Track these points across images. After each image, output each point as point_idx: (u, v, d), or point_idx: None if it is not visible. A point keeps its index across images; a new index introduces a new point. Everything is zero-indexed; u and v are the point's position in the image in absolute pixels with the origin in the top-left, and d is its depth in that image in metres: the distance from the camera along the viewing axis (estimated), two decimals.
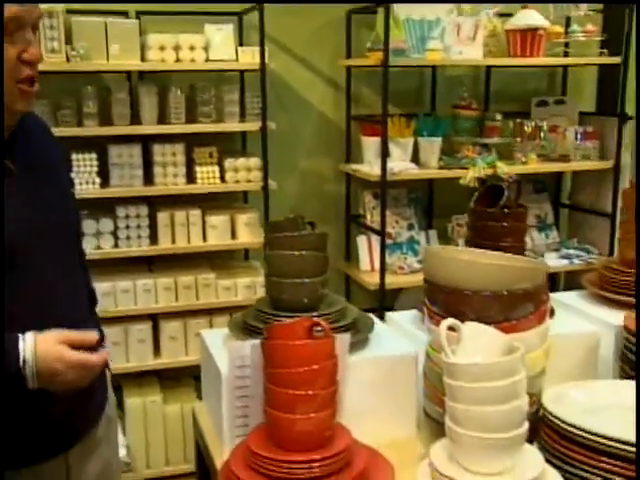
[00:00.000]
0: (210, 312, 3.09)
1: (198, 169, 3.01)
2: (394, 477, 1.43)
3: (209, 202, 3.16)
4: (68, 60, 2.77)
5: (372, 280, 3.23)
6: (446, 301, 1.47)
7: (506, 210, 1.80)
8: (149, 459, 3.12)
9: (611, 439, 1.34)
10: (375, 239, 3.30)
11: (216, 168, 3.02)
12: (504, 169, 3.14)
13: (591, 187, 3.62)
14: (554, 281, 3.80)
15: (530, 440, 1.45)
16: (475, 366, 1.28)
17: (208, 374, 1.76)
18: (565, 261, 3.45)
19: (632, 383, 1.63)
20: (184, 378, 3.23)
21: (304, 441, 1.38)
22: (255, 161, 3.05)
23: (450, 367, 1.30)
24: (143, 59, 2.90)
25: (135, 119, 2.98)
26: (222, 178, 3.05)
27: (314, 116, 3.44)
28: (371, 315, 1.85)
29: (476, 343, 1.32)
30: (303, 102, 3.41)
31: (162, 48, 2.87)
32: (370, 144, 3.24)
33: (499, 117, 3.39)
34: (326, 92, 3.44)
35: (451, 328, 1.35)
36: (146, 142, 3.01)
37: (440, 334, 1.33)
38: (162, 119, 2.99)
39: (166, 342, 3.07)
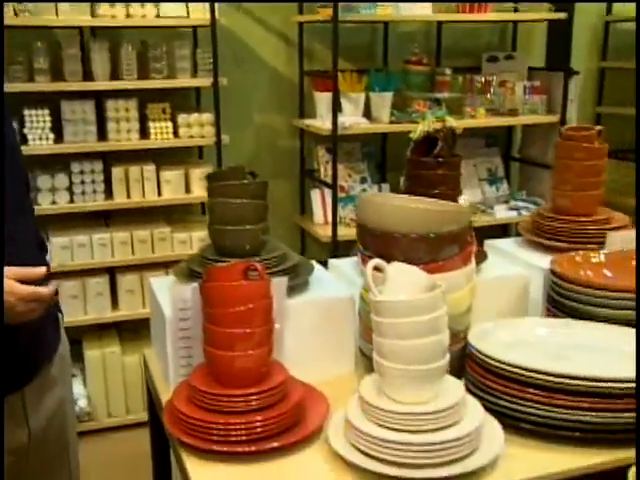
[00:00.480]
0: (166, 265, 3.16)
1: (151, 124, 3.05)
2: (329, 410, 1.53)
3: (164, 157, 3.20)
4: (16, 15, 2.77)
5: (325, 232, 3.31)
6: (376, 244, 1.55)
7: (440, 159, 1.87)
8: (110, 408, 3.21)
9: (526, 369, 1.44)
10: (328, 193, 3.37)
11: (169, 124, 3.06)
12: (453, 123, 3.20)
13: (540, 141, 3.72)
14: (505, 232, 3.92)
15: (459, 376, 1.55)
16: (398, 303, 1.36)
17: (155, 319, 1.83)
18: (513, 213, 3.55)
19: (550, 320, 1.75)
20: (142, 330, 3.29)
21: (242, 377, 1.46)
22: (208, 116, 3.09)
23: (376, 304, 1.39)
24: (93, 15, 2.91)
25: (87, 75, 2.99)
26: (175, 133, 3.09)
27: (267, 72, 3.48)
28: (313, 261, 1.93)
29: (400, 282, 1.41)
30: (256, 58, 3.44)
31: (112, 4, 2.88)
32: (322, 99, 3.29)
33: (449, 72, 3.46)
34: (279, 48, 3.48)
35: (378, 269, 1.44)
36: (99, 98, 3.04)
37: (367, 274, 1.41)
38: (114, 75, 3.01)
39: (123, 295, 3.13)
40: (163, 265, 3.16)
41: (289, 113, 3.52)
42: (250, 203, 1.71)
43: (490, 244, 2.17)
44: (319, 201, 3.44)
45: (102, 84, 2.96)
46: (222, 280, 1.47)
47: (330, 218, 3.31)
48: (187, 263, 1.81)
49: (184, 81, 3.06)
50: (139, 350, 3.21)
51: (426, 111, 3.25)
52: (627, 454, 1.42)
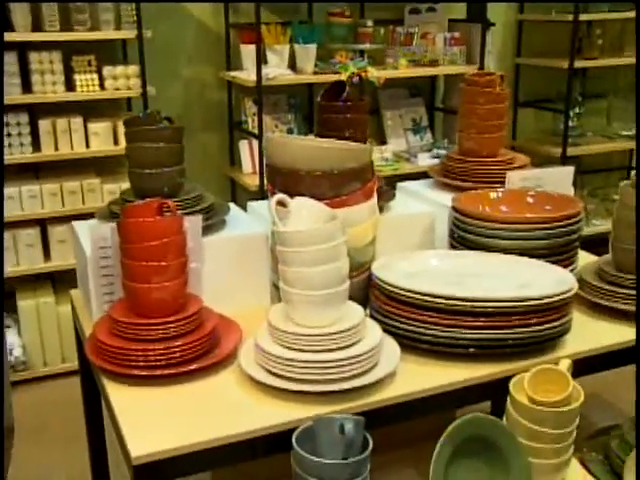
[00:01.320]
0: None
1: (77, 77, 3.07)
2: (242, 337, 1.64)
3: (92, 110, 3.23)
4: None
5: (253, 182, 3.40)
6: (283, 182, 1.65)
7: (348, 103, 1.98)
8: (45, 357, 3.28)
9: (425, 294, 1.57)
10: (256, 143, 3.45)
11: (95, 76, 3.09)
12: (374, 73, 3.31)
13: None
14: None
15: (364, 304, 1.68)
16: (300, 233, 1.47)
17: (79, 260, 1.92)
18: (436, 160, 3.68)
19: (449, 252, 1.89)
20: (76, 281, 3.35)
21: (159, 308, 1.56)
22: (134, 68, 3.13)
23: (280, 236, 1.50)
24: None
25: (8, 26, 2.97)
26: (102, 86, 3.12)
27: (193, 24, 3.51)
28: (231, 204, 2.03)
29: (302, 215, 1.52)
30: (182, 10, 3.46)
31: None
32: (248, 51, 3.35)
33: (371, 24, 3.55)
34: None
35: (282, 204, 1.55)
36: (22, 50, 3.03)
37: (271, 208, 1.52)
38: (36, 27, 3.00)
39: (55, 245, 3.18)
40: (93, 216, 3.20)
41: (216, 65, 3.57)
42: (166, 147, 1.79)
43: (401, 186, 2.30)
44: (247, 152, 3.52)
45: (24, 35, 2.96)
46: (138, 217, 1.56)
47: (258, 168, 3.40)
48: (109, 206, 1.89)
49: (108, 33, 3.07)
50: None
51: (348, 62, 3.35)
52: (513, 366, 1.58)
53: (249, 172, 3.52)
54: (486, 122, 2.20)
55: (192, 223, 1.69)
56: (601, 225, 4.18)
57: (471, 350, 1.59)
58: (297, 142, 1.69)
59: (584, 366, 1.64)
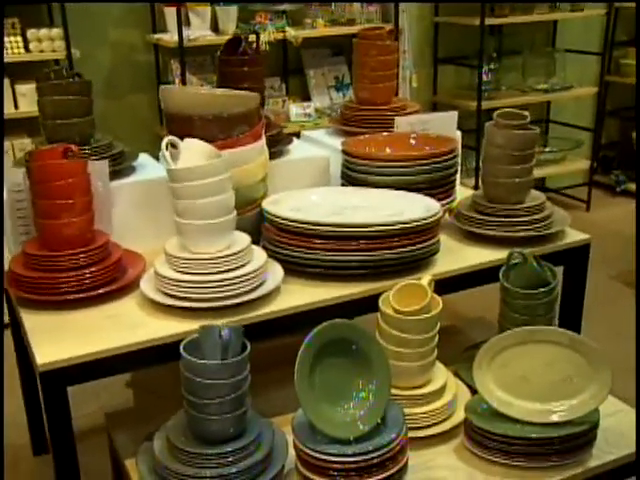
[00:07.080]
0: None
1: None
2: (145, 267, 1.83)
3: (18, 72, 3.32)
4: None
5: None
6: (178, 128, 1.82)
7: (245, 57, 2.15)
8: None
9: (310, 223, 1.78)
10: None
11: (19, 38, 3.20)
12: (292, 33, 3.50)
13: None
14: None
15: (257, 238, 1.87)
16: (188, 169, 1.66)
17: None
18: None
19: (331, 188, 2.09)
20: None
21: (70, 242, 1.73)
22: (58, 31, 3.24)
23: (171, 173, 1.68)
24: None
25: None
26: (27, 48, 3.23)
27: None
28: (144, 154, 2.21)
29: (191, 154, 1.71)
30: None
31: None
32: (172, 14, 3.48)
33: None
34: None
35: (174, 145, 1.73)
36: None
37: (162, 150, 1.70)
38: None
39: None
40: None
41: (142, 28, 3.69)
42: (75, 99, 1.96)
43: (305, 134, 2.51)
44: None
45: None
46: (45, 161, 1.73)
47: None
48: (24, 156, 2.04)
49: None
50: None
51: (267, 22, 3.52)
52: (389, 283, 1.77)
53: None
54: (378, 72, 2.38)
55: (99, 167, 1.87)
56: None
57: (349, 272, 1.80)
58: (190, 90, 1.88)
59: (456, 282, 1.87)
